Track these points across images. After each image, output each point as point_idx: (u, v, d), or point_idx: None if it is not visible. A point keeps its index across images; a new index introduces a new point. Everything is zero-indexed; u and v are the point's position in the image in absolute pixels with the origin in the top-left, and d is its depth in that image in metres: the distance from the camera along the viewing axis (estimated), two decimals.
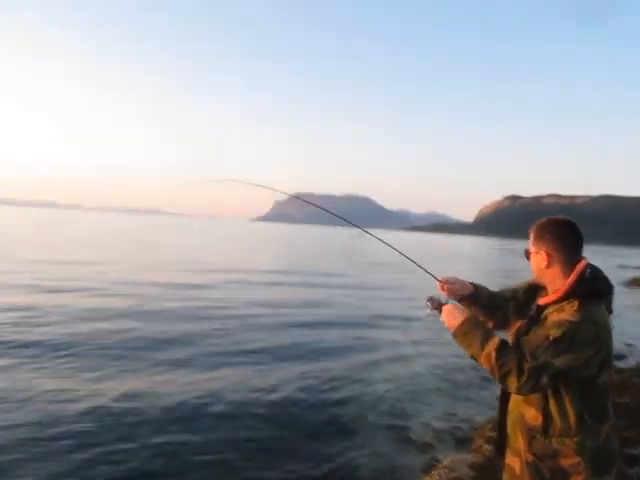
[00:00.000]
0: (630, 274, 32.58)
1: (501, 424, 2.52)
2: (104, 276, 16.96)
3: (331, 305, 14.74)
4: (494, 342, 2.19)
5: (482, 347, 2.20)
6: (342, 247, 54.23)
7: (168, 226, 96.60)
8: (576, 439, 2.21)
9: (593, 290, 2.25)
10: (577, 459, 2.20)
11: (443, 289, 2.63)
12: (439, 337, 10.38)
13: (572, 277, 2.26)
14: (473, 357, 2.26)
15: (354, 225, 3.18)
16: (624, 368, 8.85)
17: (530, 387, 2.11)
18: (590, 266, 2.30)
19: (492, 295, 2.67)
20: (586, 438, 2.21)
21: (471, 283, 2.67)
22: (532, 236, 2.40)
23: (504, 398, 2.50)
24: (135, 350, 8.37)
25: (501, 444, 2.50)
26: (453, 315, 2.38)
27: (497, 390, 2.52)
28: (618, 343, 10.68)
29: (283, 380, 7.34)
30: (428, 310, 2.54)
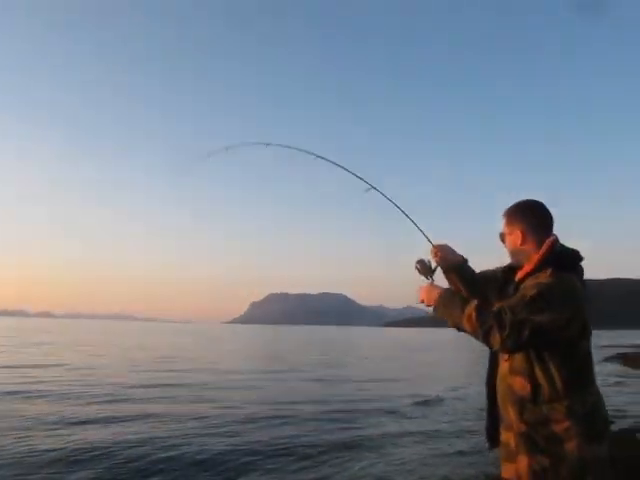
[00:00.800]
0: (612, 351, 34.50)
1: (490, 409, 2.56)
2: (92, 379, 15.65)
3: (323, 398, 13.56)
4: (473, 304, 2.27)
5: (462, 311, 2.27)
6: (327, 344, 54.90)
7: (146, 330, 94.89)
8: (565, 403, 2.25)
9: (564, 258, 2.38)
10: (567, 423, 2.23)
11: (436, 255, 2.78)
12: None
13: (543, 248, 2.40)
14: (457, 326, 2.33)
15: (365, 181, 3.04)
16: (617, 430, 8.77)
17: (513, 341, 2.17)
18: (561, 244, 2.45)
19: (475, 274, 2.81)
20: (575, 402, 2.26)
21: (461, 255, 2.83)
22: (505, 219, 2.57)
23: (490, 377, 2.56)
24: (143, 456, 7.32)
25: (493, 431, 2.54)
26: (431, 290, 2.48)
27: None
28: (609, 410, 9.91)
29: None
30: (417, 272, 2.67)
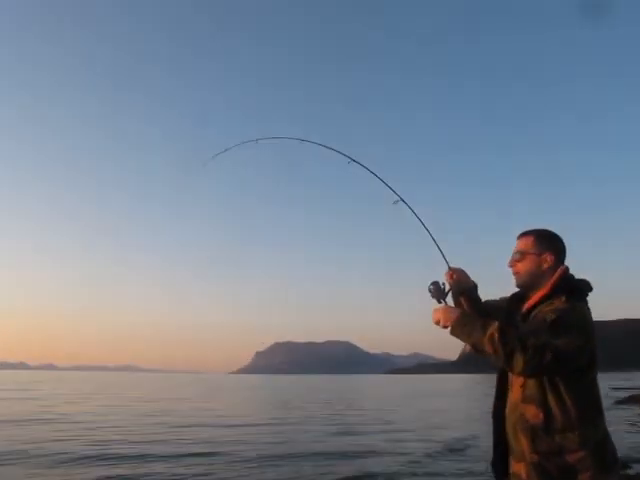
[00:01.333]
0: (623, 394, 33.96)
1: (497, 442, 2.52)
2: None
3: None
4: (495, 325, 2.26)
5: (484, 331, 2.26)
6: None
7: (152, 382, 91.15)
8: (578, 432, 2.24)
9: (576, 286, 2.46)
10: (582, 453, 2.22)
11: (451, 277, 2.79)
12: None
13: (557, 274, 2.48)
14: (475, 346, 2.31)
15: (394, 192, 2.98)
16: (634, 474, 8.69)
17: (536, 364, 2.16)
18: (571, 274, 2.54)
19: (482, 302, 2.84)
20: (588, 431, 2.26)
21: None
22: (535, 239, 2.56)
23: (497, 409, 2.54)
24: None
25: (500, 465, 2.49)
26: (449, 311, 2.48)
27: None
28: (623, 453, 10.30)
29: None
30: (429, 294, 2.68)
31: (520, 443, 2.34)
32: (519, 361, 2.16)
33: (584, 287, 2.49)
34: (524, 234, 2.63)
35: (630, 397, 30.16)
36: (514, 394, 2.43)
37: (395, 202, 2.98)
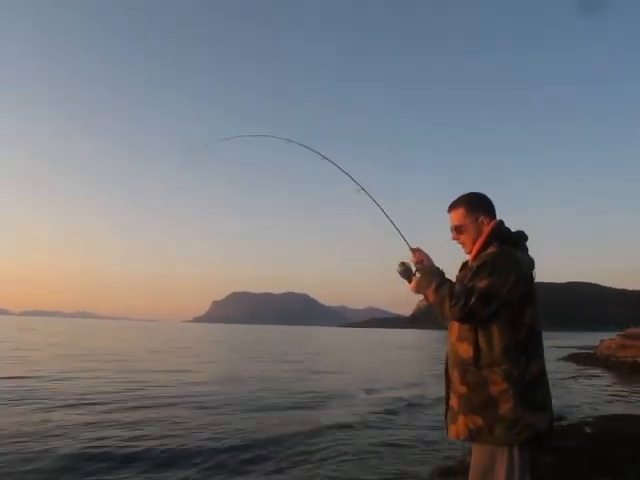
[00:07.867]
0: (566, 352, 36.06)
1: (448, 395, 2.67)
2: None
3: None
4: (448, 282, 2.52)
5: (429, 285, 2.53)
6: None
7: (108, 330, 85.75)
8: (503, 366, 2.41)
9: (508, 236, 2.64)
10: (504, 385, 2.39)
11: (415, 255, 2.83)
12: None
13: (489, 227, 2.65)
14: (426, 298, 2.60)
15: (356, 183, 3.21)
16: (566, 425, 9.26)
17: (461, 306, 2.39)
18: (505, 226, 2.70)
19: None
20: (512, 367, 2.41)
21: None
22: (463, 209, 2.74)
23: (446, 362, 2.72)
24: None
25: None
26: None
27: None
28: (559, 406, 10.74)
29: None
30: (398, 273, 2.81)
31: (454, 377, 2.57)
32: (446, 305, 2.42)
33: (516, 236, 2.67)
34: (453, 207, 2.79)
35: (570, 355, 31.94)
36: (452, 335, 2.63)
37: (357, 191, 3.18)
